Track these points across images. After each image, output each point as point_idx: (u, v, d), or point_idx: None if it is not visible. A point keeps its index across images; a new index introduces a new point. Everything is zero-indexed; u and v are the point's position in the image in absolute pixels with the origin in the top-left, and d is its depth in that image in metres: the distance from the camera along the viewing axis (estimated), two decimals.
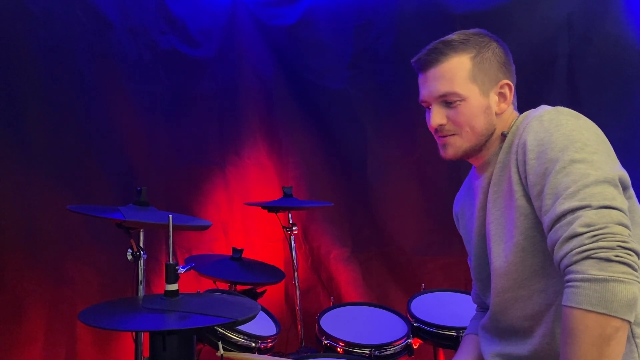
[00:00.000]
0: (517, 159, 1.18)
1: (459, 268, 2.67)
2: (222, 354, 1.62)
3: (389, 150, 2.81)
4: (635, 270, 0.97)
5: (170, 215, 1.27)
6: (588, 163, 1.05)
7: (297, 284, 2.52)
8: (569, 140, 1.08)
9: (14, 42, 2.11)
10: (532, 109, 1.27)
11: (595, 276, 0.96)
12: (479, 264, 1.38)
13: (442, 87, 1.26)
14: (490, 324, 1.36)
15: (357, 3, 2.84)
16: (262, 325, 1.90)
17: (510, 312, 1.26)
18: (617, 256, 0.96)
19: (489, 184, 1.30)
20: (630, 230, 1.00)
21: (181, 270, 1.27)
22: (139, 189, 1.72)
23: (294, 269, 2.52)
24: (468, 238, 1.45)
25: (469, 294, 1.64)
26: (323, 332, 1.90)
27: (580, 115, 1.16)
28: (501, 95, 1.28)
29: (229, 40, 2.86)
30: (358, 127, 2.83)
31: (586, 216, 0.99)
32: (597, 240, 0.97)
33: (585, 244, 0.98)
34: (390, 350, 1.84)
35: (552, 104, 1.25)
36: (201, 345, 1.75)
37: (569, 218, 1.01)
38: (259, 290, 2.21)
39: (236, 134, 2.89)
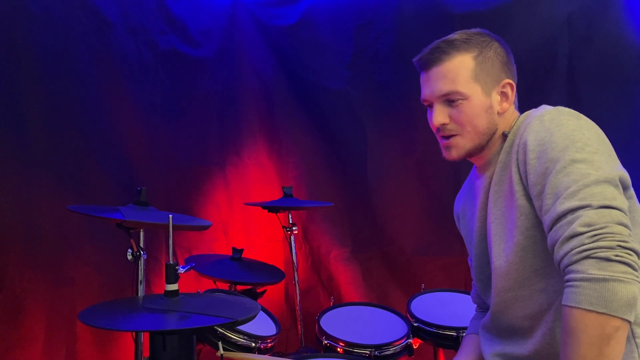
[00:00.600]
0: (517, 159, 1.18)
1: (459, 268, 2.67)
2: (222, 354, 1.62)
3: (389, 150, 2.81)
4: (635, 270, 0.96)
5: (170, 215, 1.27)
6: (588, 163, 1.05)
7: (297, 284, 2.52)
8: (570, 140, 1.08)
9: (14, 42, 2.11)
10: (533, 109, 1.27)
11: (595, 276, 0.96)
12: (479, 264, 1.38)
13: (444, 86, 1.26)
14: (490, 324, 1.36)
15: (357, 3, 2.84)
16: (262, 325, 1.90)
17: (510, 312, 1.26)
18: (617, 256, 0.96)
19: (490, 183, 1.30)
20: (630, 230, 1.00)
21: (181, 270, 1.27)
22: (139, 189, 1.72)
23: (294, 269, 2.52)
24: (469, 238, 1.45)
25: (469, 294, 1.63)
26: (323, 332, 1.90)
27: (581, 115, 1.16)
28: (503, 94, 1.28)
29: (229, 40, 2.86)
30: (358, 127, 2.83)
31: (586, 216, 0.99)
32: (597, 240, 0.97)
33: (585, 244, 0.98)
34: (390, 350, 1.84)
35: (552, 103, 1.25)
36: (201, 345, 1.75)
37: (569, 217, 1.01)
38: (259, 290, 2.21)
39: (236, 134, 2.89)
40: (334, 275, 2.89)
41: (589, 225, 0.99)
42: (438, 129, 1.30)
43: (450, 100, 1.26)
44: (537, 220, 1.15)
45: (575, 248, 0.99)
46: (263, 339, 1.78)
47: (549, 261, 1.14)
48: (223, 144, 2.84)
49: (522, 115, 1.29)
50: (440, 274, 2.76)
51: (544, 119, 1.15)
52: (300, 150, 2.93)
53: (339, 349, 1.83)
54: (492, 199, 1.27)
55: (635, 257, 0.97)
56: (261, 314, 1.97)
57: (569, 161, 1.06)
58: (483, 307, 1.55)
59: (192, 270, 1.62)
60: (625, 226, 0.99)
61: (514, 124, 1.27)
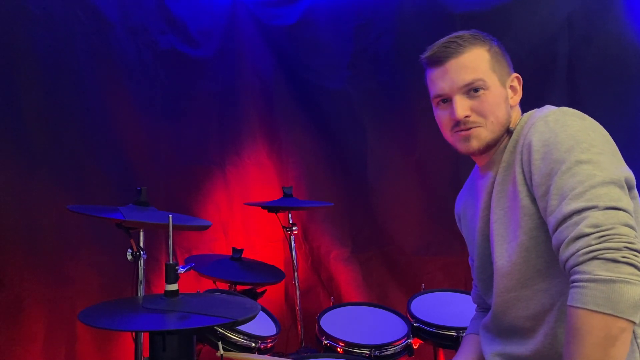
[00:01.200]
0: (522, 159, 1.18)
1: (459, 268, 2.67)
2: (222, 354, 1.62)
3: (389, 150, 2.81)
4: None
5: (170, 215, 1.27)
6: (594, 164, 1.05)
7: (297, 284, 2.52)
8: (575, 141, 1.08)
9: (14, 42, 2.11)
10: (537, 109, 1.26)
11: (602, 277, 0.96)
12: (481, 263, 1.38)
13: (467, 76, 1.24)
14: (491, 324, 1.36)
15: (357, 3, 2.84)
16: (262, 325, 1.90)
17: (512, 312, 1.26)
18: (624, 257, 0.96)
19: (493, 183, 1.29)
20: (636, 231, 1.00)
21: (181, 270, 1.27)
22: (139, 189, 1.72)
23: (294, 269, 2.52)
24: (470, 238, 1.45)
25: (469, 294, 1.63)
26: (323, 332, 1.90)
27: (586, 115, 1.16)
28: (512, 88, 1.29)
29: (229, 40, 2.86)
30: (358, 127, 2.83)
31: (593, 217, 0.99)
32: (604, 241, 0.97)
33: (592, 245, 0.98)
34: (390, 351, 1.84)
35: (552, 103, 1.25)
36: (201, 345, 1.75)
37: (575, 218, 1.01)
38: (259, 290, 2.20)
39: (236, 134, 2.89)
40: (334, 275, 2.89)
41: (595, 226, 0.99)
42: (457, 123, 1.26)
43: (472, 89, 1.24)
44: (541, 221, 1.14)
45: (582, 249, 0.99)
46: (263, 339, 1.78)
47: (552, 262, 1.14)
48: (223, 144, 2.84)
49: (525, 114, 1.29)
50: (440, 274, 2.76)
51: (548, 120, 1.15)
52: (300, 150, 2.93)
53: (339, 349, 1.83)
54: (495, 198, 1.27)
55: None
56: (261, 314, 1.97)
57: (574, 162, 1.06)
58: (483, 307, 1.55)
59: (192, 270, 1.62)
60: (632, 227, 1.00)
61: (518, 123, 1.27)
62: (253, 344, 1.74)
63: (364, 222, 2.87)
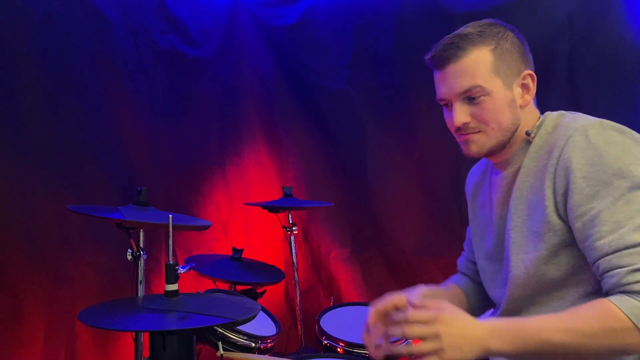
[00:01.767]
0: (555, 175, 1.13)
1: None
2: (222, 354, 1.62)
3: (389, 150, 2.81)
4: None
5: (170, 215, 1.27)
6: None
7: (297, 284, 2.52)
8: (623, 162, 1.06)
9: (14, 42, 2.11)
10: (564, 113, 1.21)
11: None
12: (489, 255, 1.34)
13: (464, 82, 1.19)
14: None
15: (357, 3, 2.84)
16: (262, 325, 1.91)
17: (524, 314, 1.24)
18: None
19: (510, 185, 1.25)
20: None
21: (181, 270, 1.27)
22: (139, 189, 1.72)
23: (294, 269, 2.52)
24: (480, 226, 1.40)
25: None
26: (323, 332, 1.90)
27: (624, 128, 1.12)
28: (524, 86, 1.22)
29: (229, 40, 2.86)
30: (358, 127, 2.83)
31: None
32: None
33: None
34: None
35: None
36: (201, 345, 1.75)
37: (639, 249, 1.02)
38: (259, 290, 2.21)
39: (236, 134, 2.89)
40: (334, 275, 2.89)
41: None
42: (458, 129, 1.23)
43: (471, 96, 1.19)
44: (565, 237, 1.12)
45: None
46: (263, 339, 1.78)
47: (570, 274, 1.14)
48: (223, 144, 2.84)
49: (549, 117, 1.23)
50: (440, 274, 2.75)
51: (589, 135, 1.10)
52: (300, 150, 2.93)
53: (339, 349, 1.83)
54: (514, 204, 1.23)
55: None
56: (261, 314, 1.97)
57: (626, 188, 1.04)
58: (467, 274, 1.52)
59: (192, 271, 1.62)
60: None
61: (539, 125, 1.22)
62: (253, 344, 1.74)
63: (363, 222, 2.87)
